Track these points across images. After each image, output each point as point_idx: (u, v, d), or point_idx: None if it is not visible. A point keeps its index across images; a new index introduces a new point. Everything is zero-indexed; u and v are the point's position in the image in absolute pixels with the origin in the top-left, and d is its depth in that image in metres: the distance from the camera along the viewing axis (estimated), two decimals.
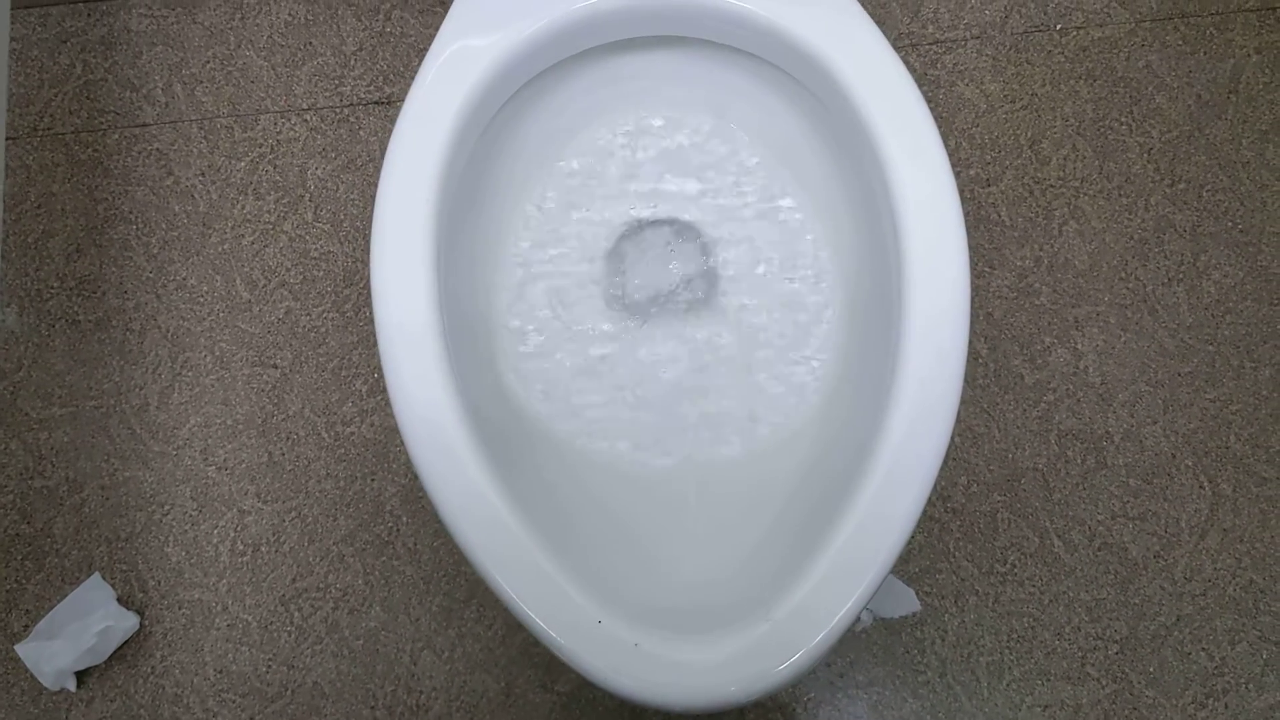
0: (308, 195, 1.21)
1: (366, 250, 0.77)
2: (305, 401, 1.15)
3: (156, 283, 1.19)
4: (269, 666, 1.08)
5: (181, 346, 1.17)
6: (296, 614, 1.09)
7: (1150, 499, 1.10)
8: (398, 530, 1.11)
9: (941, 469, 0.97)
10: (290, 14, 1.27)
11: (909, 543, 1.07)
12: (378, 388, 1.15)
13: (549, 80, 0.88)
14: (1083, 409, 1.12)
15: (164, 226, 1.20)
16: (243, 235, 1.20)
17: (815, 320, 0.89)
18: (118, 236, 1.20)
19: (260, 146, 1.23)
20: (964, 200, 1.17)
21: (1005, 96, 1.22)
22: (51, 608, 1.09)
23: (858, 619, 0.74)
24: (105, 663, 1.09)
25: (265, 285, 1.18)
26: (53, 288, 1.19)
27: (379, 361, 0.74)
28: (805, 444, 0.85)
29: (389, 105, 1.23)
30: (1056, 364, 1.14)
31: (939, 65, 1.23)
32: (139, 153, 1.23)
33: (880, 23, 1.22)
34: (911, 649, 1.07)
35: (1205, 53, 1.23)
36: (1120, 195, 1.18)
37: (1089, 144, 1.20)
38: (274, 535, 1.12)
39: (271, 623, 1.09)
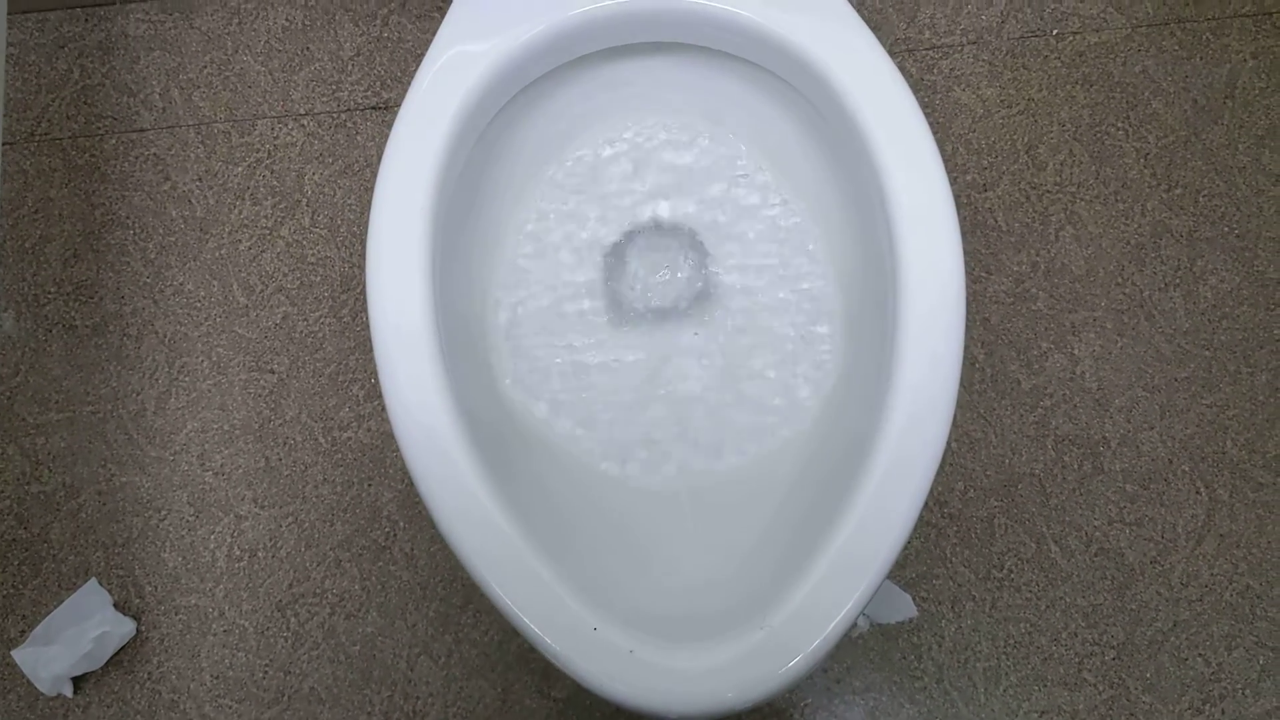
0: (305, 200, 1.21)
1: (364, 256, 0.77)
2: (302, 407, 1.15)
3: (153, 288, 1.19)
4: (265, 672, 1.08)
5: (178, 352, 1.17)
6: (293, 619, 1.09)
7: (1147, 504, 1.10)
8: (394, 535, 1.11)
9: (938, 474, 0.97)
10: (288, 19, 1.27)
11: (906, 548, 1.07)
12: (375, 393, 1.15)
13: (546, 86, 0.88)
14: (1079, 414, 1.13)
15: (161, 231, 1.20)
16: (240, 240, 1.20)
17: (812, 326, 0.89)
18: (115, 241, 1.20)
19: (257, 152, 1.23)
20: (960, 205, 1.17)
21: (1002, 102, 1.22)
22: (48, 613, 1.09)
23: (854, 624, 0.74)
24: (102, 668, 1.08)
25: (262, 290, 1.18)
26: (50, 293, 1.19)
27: (376, 367, 0.74)
28: (801, 450, 0.85)
29: (386, 110, 1.23)
30: (1053, 369, 1.14)
31: (935, 70, 1.23)
32: (136, 158, 1.23)
33: (876, 28, 1.22)
34: (908, 654, 1.07)
35: (1201, 58, 1.23)
36: (1117, 200, 1.19)
37: (1085, 149, 1.20)
38: (271, 541, 1.11)
39: (268, 628, 1.09)
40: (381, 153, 0.89)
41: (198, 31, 1.27)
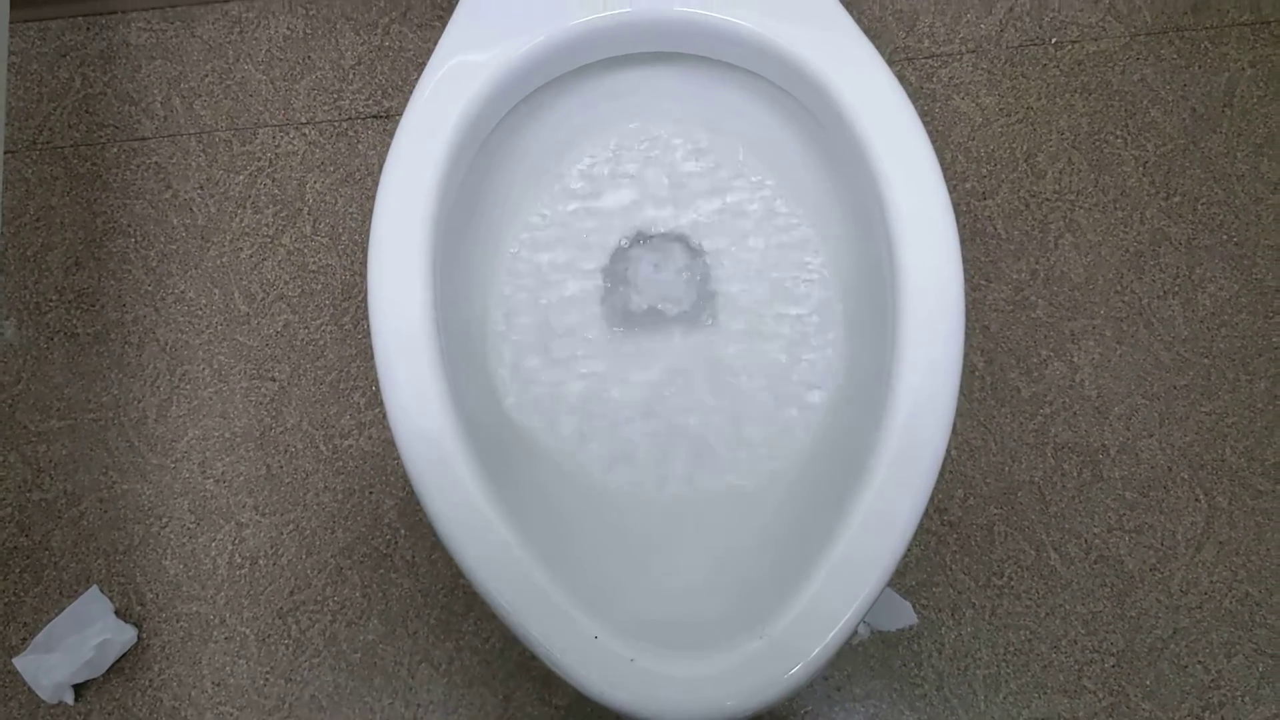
0: (306, 209, 1.21)
1: (365, 264, 0.77)
2: (303, 414, 1.15)
3: (155, 296, 1.19)
4: (266, 680, 1.08)
5: (180, 359, 1.17)
6: (294, 627, 1.09)
7: (1146, 512, 1.11)
8: (396, 543, 1.11)
9: (938, 482, 0.98)
10: (289, 28, 1.27)
11: (905, 555, 1.07)
12: (376, 400, 1.15)
13: (546, 95, 0.89)
14: (1079, 422, 1.13)
15: (162, 240, 1.21)
16: (241, 248, 1.20)
17: (813, 335, 0.89)
18: (116, 249, 1.21)
19: (259, 160, 1.23)
20: (960, 213, 1.18)
21: (1001, 110, 1.22)
22: (49, 620, 1.09)
23: (854, 632, 0.74)
24: (103, 676, 1.09)
25: (263, 298, 1.19)
26: (51, 300, 1.19)
27: (377, 374, 0.74)
28: (802, 457, 0.85)
29: (387, 119, 1.24)
30: (1053, 377, 1.14)
31: (935, 79, 1.23)
32: (138, 166, 1.23)
33: (876, 37, 1.22)
34: (908, 662, 1.07)
35: (1200, 66, 1.23)
36: (1116, 208, 1.19)
37: (1084, 157, 1.20)
38: (272, 548, 1.12)
39: (269, 636, 1.09)
40: (382, 161, 0.90)
41: (199, 40, 1.27)
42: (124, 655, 1.09)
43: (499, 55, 0.81)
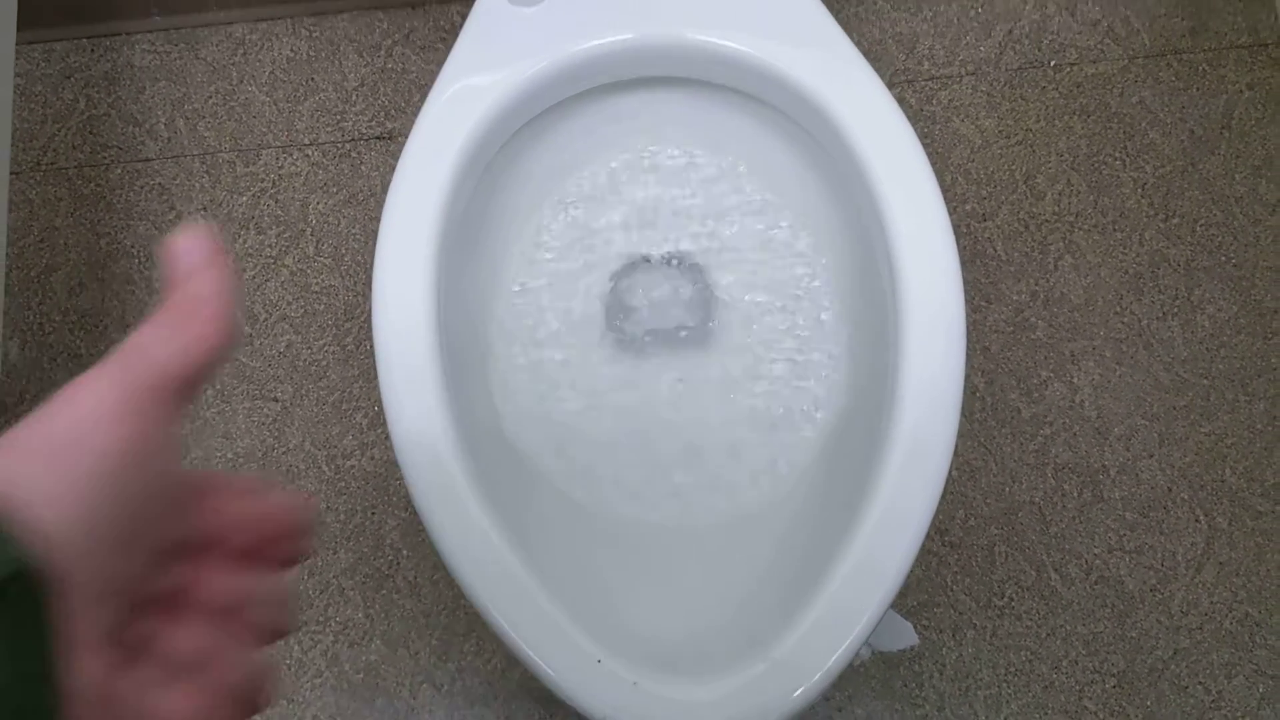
0: (309, 230, 1.22)
1: (368, 285, 0.78)
2: (306, 435, 1.15)
3: None
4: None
5: None
6: (296, 647, 1.10)
7: (1146, 533, 1.11)
8: (398, 564, 1.11)
9: (939, 503, 0.98)
10: (292, 50, 1.28)
11: (907, 576, 1.07)
12: (378, 421, 1.15)
13: (550, 118, 0.89)
14: (1079, 443, 1.13)
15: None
16: (244, 269, 1.21)
17: (815, 356, 0.89)
18: (120, 271, 1.21)
19: (262, 181, 1.24)
20: (960, 235, 1.18)
21: (1000, 132, 1.23)
22: None
23: (856, 653, 0.74)
24: None
25: (266, 319, 1.19)
26: (55, 321, 1.20)
27: (379, 395, 0.74)
28: (805, 480, 0.86)
29: (390, 140, 1.24)
30: (1053, 398, 1.14)
31: (934, 101, 1.24)
32: (141, 187, 1.24)
33: (876, 59, 1.23)
34: (910, 683, 1.07)
35: (1198, 89, 1.24)
36: (1115, 230, 1.19)
37: (1083, 179, 1.21)
38: None
39: (271, 656, 1.09)
40: (385, 183, 0.90)
41: (203, 62, 1.28)
42: None
43: (504, 79, 0.81)
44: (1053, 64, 1.25)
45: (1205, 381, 1.15)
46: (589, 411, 0.89)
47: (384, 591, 1.11)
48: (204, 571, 0.33)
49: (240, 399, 1.17)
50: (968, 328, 0.75)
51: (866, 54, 0.82)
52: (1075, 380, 1.15)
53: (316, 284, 1.20)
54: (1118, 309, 1.17)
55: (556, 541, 0.83)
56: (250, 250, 1.21)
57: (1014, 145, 1.22)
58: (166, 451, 0.31)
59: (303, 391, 1.17)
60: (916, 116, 1.23)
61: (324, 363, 1.17)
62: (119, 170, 1.25)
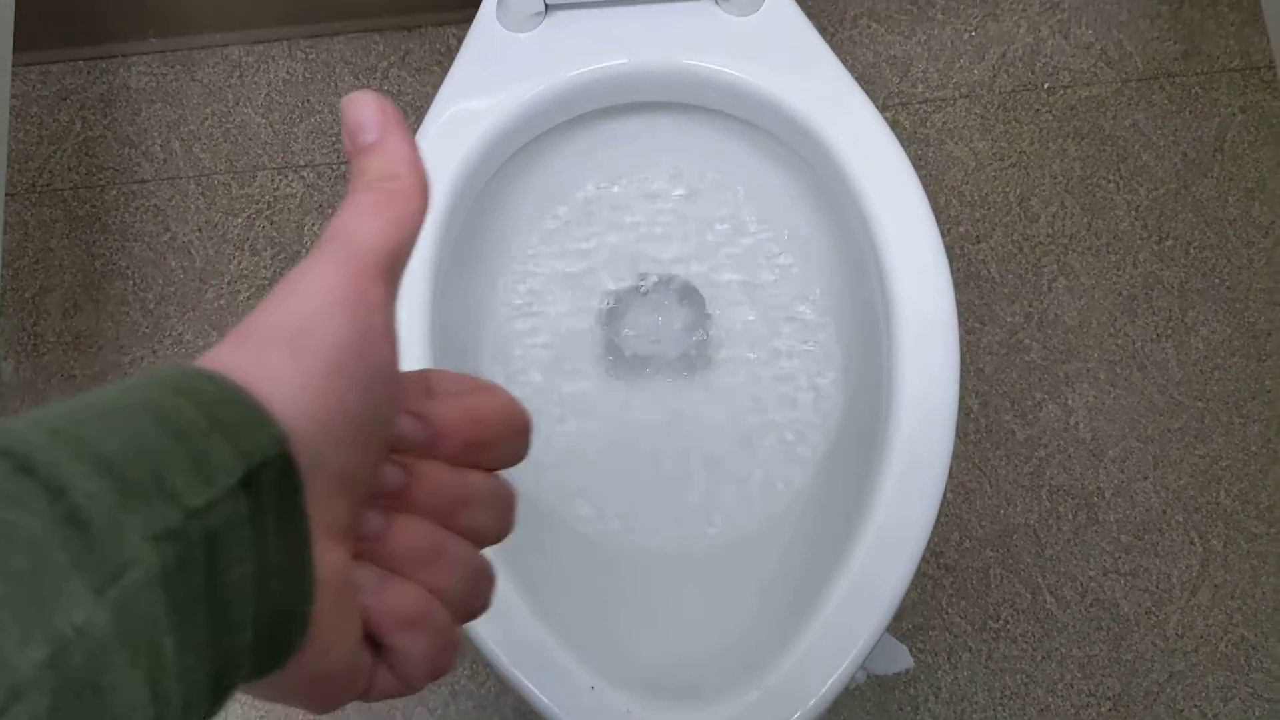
0: (304, 252, 1.22)
1: None
2: None
3: (152, 338, 1.19)
4: None
5: None
6: None
7: (1141, 555, 1.11)
8: None
9: (934, 525, 0.98)
10: (288, 72, 1.28)
11: (903, 599, 1.07)
12: None
13: (546, 142, 0.89)
14: (1074, 465, 1.13)
15: (160, 282, 1.21)
16: (239, 291, 1.21)
17: (810, 379, 0.90)
18: (114, 292, 1.21)
19: (257, 203, 1.24)
20: (954, 257, 1.18)
21: (994, 154, 1.23)
22: None
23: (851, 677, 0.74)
24: None
25: None
26: (49, 342, 1.20)
27: None
28: (799, 504, 0.86)
29: None
30: (1047, 420, 1.14)
31: (928, 124, 1.24)
32: (137, 209, 1.24)
33: (870, 82, 1.24)
34: (905, 706, 1.07)
35: (1191, 112, 1.25)
36: (1109, 252, 1.20)
37: (1077, 201, 1.21)
38: None
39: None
40: None
41: (199, 84, 1.28)
42: None
43: (499, 103, 0.82)
44: (1046, 87, 1.26)
45: (1199, 404, 1.15)
46: (582, 435, 0.89)
47: None
48: (423, 470, 0.32)
49: None
50: (962, 349, 0.75)
51: (860, 77, 0.82)
52: (1070, 402, 1.15)
53: None
54: (1111, 331, 1.17)
55: (548, 566, 0.83)
56: (245, 272, 1.21)
57: (1008, 168, 1.23)
58: (388, 340, 0.31)
59: None
60: (910, 139, 1.23)
61: None
62: (114, 192, 1.25)
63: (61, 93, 1.29)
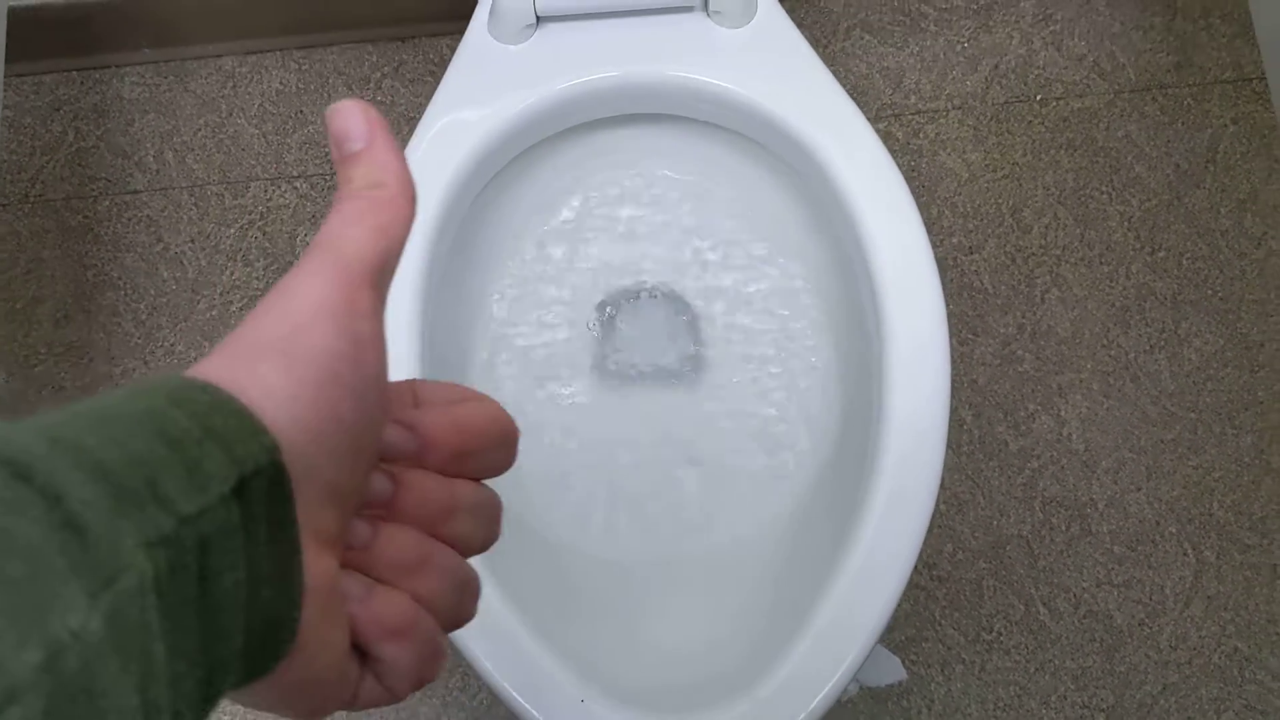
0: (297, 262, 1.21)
1: None
2: None
3: (145, 349, 1.19)
4: None
5: None
6: None
7: (1135, 566, 1.11)
8: None
9: (926, 536, 0.98)
10: (281, 83, 1.28)
11: (894, 611, 1.07)
12: None
13: (537, 153, 0.89)
14: (1067, 476, 1.13)
15: (153, 293, 1.21)
16: (231, 302, 1.20)
17: (800, 390, 0.89)
18: (106, 303, 1.21)
19: (250, 213, 1.23)
20: (946, 268, 1.18)
21: (987, 166, 1.23)
22: None
23: (844, 690, 0.74)
24: None
25: None
26: (40, 354, 1.19)
27: None
28: (789, 516, 0.85)
29: None
30: (1040, 431, 1.14)
31: (921, 135, 1.24)
32: (129, 219, 1.24)
33: (863, 94, 1.24)
34: (898, 718, 1.07)
35: (1183, 123, 1.25)
36: (1101, 263, 1.20)
37: (1070, 213, 1.22)
38: None
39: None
40: None
41: (192, 95, 1.28)
42: None
43: (491, 114, 0.81)
44: (1039, 98, 1.26)
45: (1192, 414, 1.15)
46: (568, 447, 0.89)
47: None
48: (410, 479, 0.32)
49: None
50: (954, 361, 0.75)
51: (853, 89, 0.82)
52: (1063, 413, 1.15)
53: None
54: (1104, 342, 1.17)
55: (538, 580, 0.82)
56: (238, 283, 1.21)
57: (1000, 179, 1.23)
58: (377, 349, 0.31)
59: None
60: (903, 150, 1.23)
61: None
62: (107, 202, 1.25)
63: (54, 103, 1.28)
